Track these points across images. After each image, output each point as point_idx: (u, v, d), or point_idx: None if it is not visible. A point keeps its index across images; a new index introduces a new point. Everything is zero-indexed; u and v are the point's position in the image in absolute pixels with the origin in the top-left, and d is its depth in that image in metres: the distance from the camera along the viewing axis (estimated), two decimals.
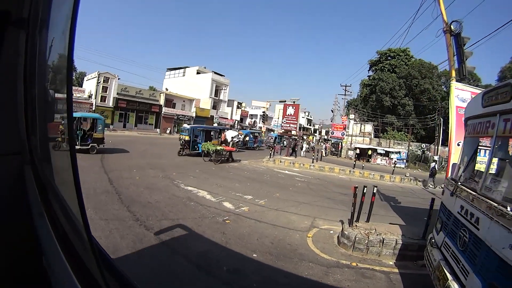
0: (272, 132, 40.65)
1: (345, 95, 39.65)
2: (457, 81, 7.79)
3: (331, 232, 6.72)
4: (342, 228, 6.27)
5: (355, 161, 21.87)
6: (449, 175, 5.58)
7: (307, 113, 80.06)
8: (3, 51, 1.17)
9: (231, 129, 24.46)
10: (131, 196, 7.66)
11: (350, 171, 18.90)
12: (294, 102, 24.52)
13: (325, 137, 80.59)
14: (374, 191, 6.61)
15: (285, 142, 35.61)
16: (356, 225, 6.24)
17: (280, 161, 19.38)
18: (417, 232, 6.15)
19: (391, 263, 5.44)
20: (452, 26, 8.08)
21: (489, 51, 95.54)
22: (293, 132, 25.97)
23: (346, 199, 9.93)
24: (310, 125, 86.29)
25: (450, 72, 8.13)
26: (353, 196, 6.41)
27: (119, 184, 8.78)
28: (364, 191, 6.60)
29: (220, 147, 16.18)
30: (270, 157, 20.27)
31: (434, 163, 20.25)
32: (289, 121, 24.57)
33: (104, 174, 10.07)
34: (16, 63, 1.25)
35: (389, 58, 48.62)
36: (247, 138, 29.98)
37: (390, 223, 6.92)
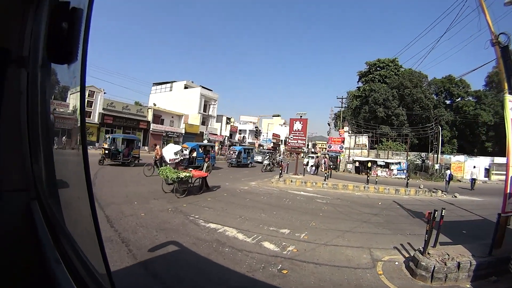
0: (236, 146, 36.12)
1: (341, 107, 38.88)
2: (509, 93, 6.89)
3: (397, 263, 6.23)
4: (413, 257, 5.91)
5: (368, 176, 20.59)
6: (508, 189, 6.43)
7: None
8: (5, 89, 1.18)
9: (170, 144, 19.50)
10: (143, 245, 5.67)
11: (364, 187, 18.03)
12: (301, 116, 22.69)
13: (313, 150, 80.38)
14: (443, 214, 6.31)
15: (259, 158, 34.22)
16: (428, 253, 5.79)
17: (291, 181, 17.91)
18: (480, 249, 6.12)
19: (468, 286, 5.36)
20: (500, 38, 7.41)
21: (472, 56, 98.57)
22: (303, 149, 24.43)
23: (381, 221, 10.04)
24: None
25: (503, 85, 7.35)
26: (427, 223, 6.07)
27: (123, 226, 6.72)
28: (443, 214, 6.30)
29: (185, 174, 11.02)
30: (280, 176, 18.64)
31: (449, 171, 23.70)
32: (297, 137, 22.58)
33: (99, 210, 7.90)
34: (18, 101, 1.26)
35: (378, 68, 48.69)
36: (241, 154, 28.14)
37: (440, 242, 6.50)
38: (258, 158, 34.54)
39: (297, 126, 22.50)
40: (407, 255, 6.64)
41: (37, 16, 1.26)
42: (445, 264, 5.43)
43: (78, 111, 1.18)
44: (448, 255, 5.74)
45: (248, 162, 30.28)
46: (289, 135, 24.10)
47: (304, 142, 23.25)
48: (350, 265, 5.91)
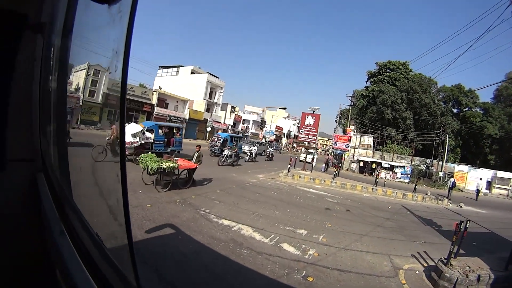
0: (221, 132, 31.96)
1: (352, 106, 38.35)
2: None
3: (417, 272, 6.20)
4: (436, 268, 5.89)
5: (377, 178, 20.22)
6: None
7: (297, 121, 79.39)
8: (19, 55, 1.14)
9: (131, 123, 15.07)
10: (152, 243, 5.23)
11: (372, 188, 17.79)
12: (313, 111, 21.94)
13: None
14: (468, 225, 6.20)
15: (247, 148, 28.06)
16: (451, 264, 5.76)
17: (300, 177, 17.44)
18: (497, 263, 6.19)
19: None
20: None
21: (479, 67, 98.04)
22: (312, 145, 23.81)
23: (394, 226, 10.04)
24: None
25: None
26: (454, 234, 6.01)
27: None
28: (467, 225, 6.19)
29: (169, 165, 9.05)
30: (288, 171, 18.09)
31: (452, 179, 24.68)
32: (308, 132, 21.94)
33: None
34: (32, 68, 1.22)
35: (388, 70, 47.97)
36: (226, 143, 22.87)
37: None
38: (245, 148, 28.41)
39: (309, 121, 21.84)
40: (425, 264, 6.61)
41: None
42: (467, 276, 5.49)
43: (120, 74, 0.86)
44: (469, 268, 5.79)
45: (255, 152, 26.55)
46: (300, 129, 23.49)
47: (315, 137, 22.62)
48: (373, 273, 5.76)
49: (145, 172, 9.17)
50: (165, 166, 8.88)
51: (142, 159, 9.23)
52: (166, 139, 16.32)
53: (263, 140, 49.45)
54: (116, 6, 0.96)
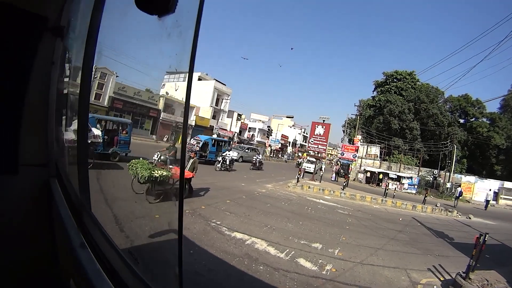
0: (202, 135, 26.27)
1: (359, 115, 38.19)
2: None
3: (435, 287, 6.07)
4: (455, 282, 5.81)
5: (386, 189, 19.96)
6: None
7: (303, 130, 79.26)
8: (38, 57, 1.12)
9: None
10: (159, 257, 4.95)
11: (382, 200, 17.60)
12: (324, 120, 21.75)
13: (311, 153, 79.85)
14: (486, 239, 6.05)
15: (235, 154, 25.25)
16: (470, 278, 5.70)
17: (309, 187, 17.23)
18: (508, 276, 6.21)
19: None
20: None
21: (486, 78, 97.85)
22: (322, 154, 23.61)
23: (407, 239, 9.91)
24: (305, 142, 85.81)
25: None
26: (474, 247, 5.98)
27: (133, 230, 5.74)
28: (486, 239, 6.04)
29: (162, 173, 8.06)
30: (297, 181, 17.90)
31: (459, 188, 26.29)
32: (318, 142, 21.79)
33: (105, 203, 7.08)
34: (49, 72, 1.20)
35: (395, 80, 47.94)
36: (206, 147, 20.38)
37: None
38: (234, 154, 25.53)
39: (319, 130, 21.70)
40: (442, 278, 6.51)
41: None
42: None
43: (186, 84, 0.85)
44: (487, 281, 5.76)
45: (231, 159, 21.28)
46: (310, 138, 23.26)
47: (325, 147, 22.46)
48: None
49: (136, 180, 8.17)
50: (157, 175, 7.94)
51: (131, 166, 8.30)
52: (107, 137, 13.10)
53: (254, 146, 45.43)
54: (170, 18, 0.86)
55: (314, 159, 26.67)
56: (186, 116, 0.90)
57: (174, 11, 0.83)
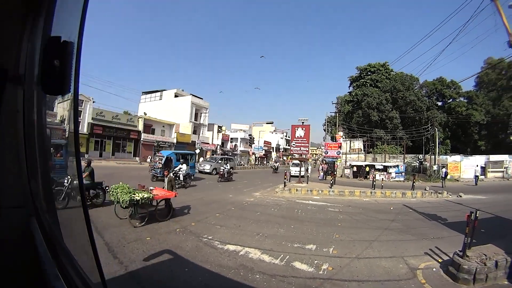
0: (164, 150, 26.10)
1: (338, 112, 38.68)
2: None
3: (434, 269, 6.13)
4: (453, 262, 5.83)
5: (374, 181, 20.16)
6: None
7: (285, 134, 79.81)
8: (3, 107, 1.18)
9: None
10: (155, 278, 4.86)
11: (371, 192, 17.80)
12: (303, 122, 21.85)
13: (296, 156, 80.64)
14: (478, 215, 6.19)
15: (207, 167, 25.84)
16: (467, 255, 5.73)
17: (297, 190, 17.22)
18: (510, 246, 6.24)
19: (506, 282, 5.42)
20: None
21: (458, 59, 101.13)
22: (306, 156, 23.56)
23: (400, 226, 10.00)
24: (289, 146, 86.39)
25: None
26: (466, 225, 5.98)
27: (126, 255, 5.67)
28: (477, 215, 6.18)
29: (143, 195, 8.01)
30: (284, 186, 17.91)
31: (444, 169, 27.52)
32: (300, 144, 21.87)
33: (95, 233, 6.81)
34: (15, 119, 1.27)
35: (369, 73, 48.73)
36: (170, 163, 18.11)
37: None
38: (206, 167, 26.08)
39: (299, 132, 21.81)
40: (440, 260, 6.55)
41: (32, 36, 1.25)
42: (485, 265, 5.47)
43: (73, 133, 1.24)
44: (485, 255, 5.75)
45: (185, 173, 18.07)
46: (291, 142, 23.32)
47: (307, 149, 22.50)
48: (391, 278, 5.67)
49: (118, 206, 8.24)
50: (138, 198, 7.83)
51: (112, 191, 8.34)
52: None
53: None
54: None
55: (298, 162, 25.92)
56: (76, 134, 1.18)
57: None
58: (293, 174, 25.93)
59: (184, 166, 17.43)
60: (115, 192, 8.14)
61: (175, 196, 9.25)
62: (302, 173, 25.25)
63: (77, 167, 1.13)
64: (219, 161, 27.41)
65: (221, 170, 22.16)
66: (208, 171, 23.19)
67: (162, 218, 8.60)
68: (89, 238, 1.10)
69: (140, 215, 8.19)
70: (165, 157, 18.60)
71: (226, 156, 36.42)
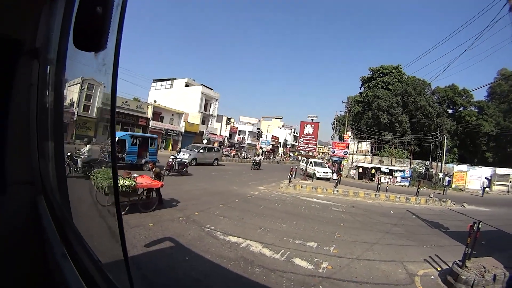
0: (119, 132, 21.25)
1: (347, 112, 38.43)
2: None
3: (432, 277, 6.11)
4: (452, 271, 5.79)
5: (379, 184, 20.06)
6: None
7: (293, 130, 79.55)
8: (16, 81, 1.15)
9: None
10: (156, 265, 4.93)
11: (375, 194, 17.66)
12: (312, 119, 21.73)
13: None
14: (480, 226, 6.06)
15: (186, 156, 20.90)
16: (466, 266, 5.73)
17: (301, 187, 17.23)
18: (509, 261, 6.22)
19: None
20: None
21: (472, 67, 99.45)
22: (314, 153, 23.54)
23: (402, 231, 9.95)
24: (296, 142, 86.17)
25: None
26: (468, 236, 5.95)
27: (128, 240, 5.62)
28: (480, 226, 6.05)
29: (125, 182, 7.52)
30: (289, 181, 17.90)
31: (447, 177, 28.19)
32: (308, 141, 21.81)
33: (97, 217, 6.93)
34: (29, 93, 1.24)
35: (381, 75, 48.31)
36: (125, 145, 15.76)
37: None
38: (185, 156, 21.18)
39: (308, 129, 21.68)
40: (439, 268, 6.54)
41: (52, 8, 1.20)
42: (483, 277, 5.47)
43: (109, 104, 0.99)
44: (484, 268, 5.76)
45: (143, 162, 16.29)
46: (299, 138, 23.19)
47: (315, 146, 22.39)
48: (389, 282, 5.68)
49: (100, 192, 7.62)
50: (119, 184, 7.07)
51: (93, 175, 7.09)
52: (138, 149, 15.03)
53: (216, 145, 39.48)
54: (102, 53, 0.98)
55: (320, 160, 25.38)
56: (113, 104, 0.98)
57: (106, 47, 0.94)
58: (318, 176, 24.37)
59: (184, 155, 16.93)
60: (96, 176, 6.95)
61: (161, 186, 8.70)
62: (329, 175, 24.47)
63: (112, 148, 0.99)
64: (201, 150, 24.45)
65: (170, 160, 16.57)
66: (186, 161, 18.50)
67: (145, 209, 8.00)
68: (118, 220, 1.00)
69: (121, 203, 7.40)
70: (117, 138, 14.89)
71: (210, 145, 31.70)
